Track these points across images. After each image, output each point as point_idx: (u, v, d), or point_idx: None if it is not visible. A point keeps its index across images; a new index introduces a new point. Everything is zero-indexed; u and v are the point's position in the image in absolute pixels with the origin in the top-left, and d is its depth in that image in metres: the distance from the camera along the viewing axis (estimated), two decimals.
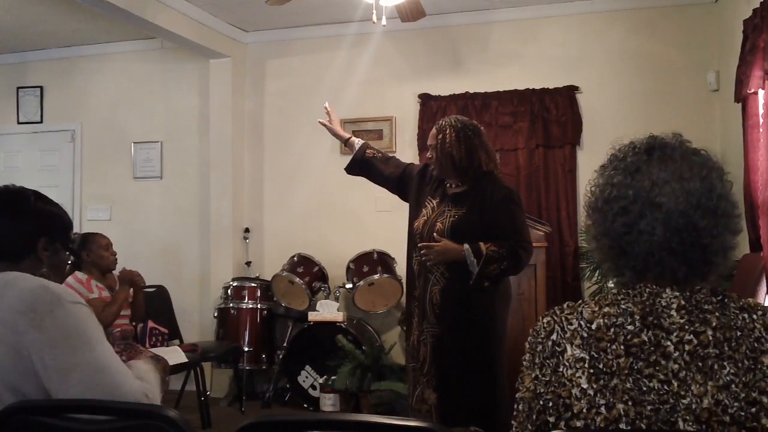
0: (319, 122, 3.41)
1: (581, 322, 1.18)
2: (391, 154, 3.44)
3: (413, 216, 3.14)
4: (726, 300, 1.16)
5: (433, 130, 3.06)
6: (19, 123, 6.14)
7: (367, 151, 3.35)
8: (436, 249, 2.91)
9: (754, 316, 1.14)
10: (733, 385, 1.09)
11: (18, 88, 6.13)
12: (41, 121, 6.09)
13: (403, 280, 4.83)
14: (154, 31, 4.94)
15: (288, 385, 4.91)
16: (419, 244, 2.99)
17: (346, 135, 3.45)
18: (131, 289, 3.87)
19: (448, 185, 3.05)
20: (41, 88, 6.09)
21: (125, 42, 5.77)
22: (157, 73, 5.77)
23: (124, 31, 5.42)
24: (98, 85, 5.93)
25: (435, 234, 2.94)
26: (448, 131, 2.97)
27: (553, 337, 1.19)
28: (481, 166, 2.96)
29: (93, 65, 5.93)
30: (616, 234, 1.20)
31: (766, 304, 1.21)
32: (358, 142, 3.39)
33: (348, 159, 3.40)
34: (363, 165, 3.34)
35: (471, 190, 2.97)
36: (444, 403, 2.93)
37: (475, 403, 2.86)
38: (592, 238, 1.26)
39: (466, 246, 2.85)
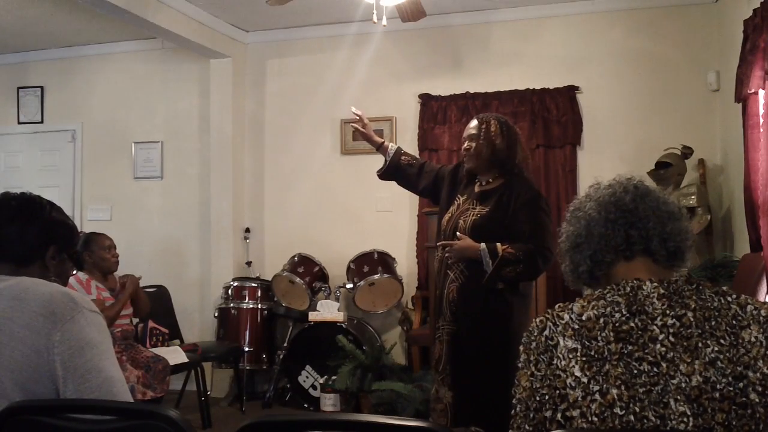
0: (352, 126, 3.35)
1: (572, 316, 1.25)
2: (423, 159, 3.38)
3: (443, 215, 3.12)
4: (701, 287, 1.24)
5: (474, 122, 3.04)
6: (19, 123, 6.14)
7: (402, 157, 3.31)
8: (455, 247, 2.89)
9: (729, 299, 1.23)
10: (718, 362, 1.15)
11: (18, 88, 6.13)
12: (42, 121, 6.10)
13: (404, 280, 4.89)
14: (154, 31, 4.94)
15: (288, 385, 4.91)
16: (438, 243, 2.98)
17: (380, 140, 3.37)
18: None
19: (477, 182, 3.03)
20: (42, 88, 6.09)
21: (126, 42, 5.77)
22: (157, 73, 5.77)
23: (124, 31, 5.43)
24: (99, 85, 5.93)
25: (458, 232, 2.91)
26: (492, 122, 2.99)
27: (546, 332, 1.26)
28: (517, 159, 2.97)
29: (93, 65, 5.93)
30: (573, 236, 1.40)
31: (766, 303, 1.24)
32: (392, 147, 3.33)
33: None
34: (397, 172, 3.31)
35: (498, 188, 2.96)
36: (459, 402, 2.89)
37: (489, 402, 2.82)
38: (563, 252, 1.44)
39: (483, 245, 2.83)
